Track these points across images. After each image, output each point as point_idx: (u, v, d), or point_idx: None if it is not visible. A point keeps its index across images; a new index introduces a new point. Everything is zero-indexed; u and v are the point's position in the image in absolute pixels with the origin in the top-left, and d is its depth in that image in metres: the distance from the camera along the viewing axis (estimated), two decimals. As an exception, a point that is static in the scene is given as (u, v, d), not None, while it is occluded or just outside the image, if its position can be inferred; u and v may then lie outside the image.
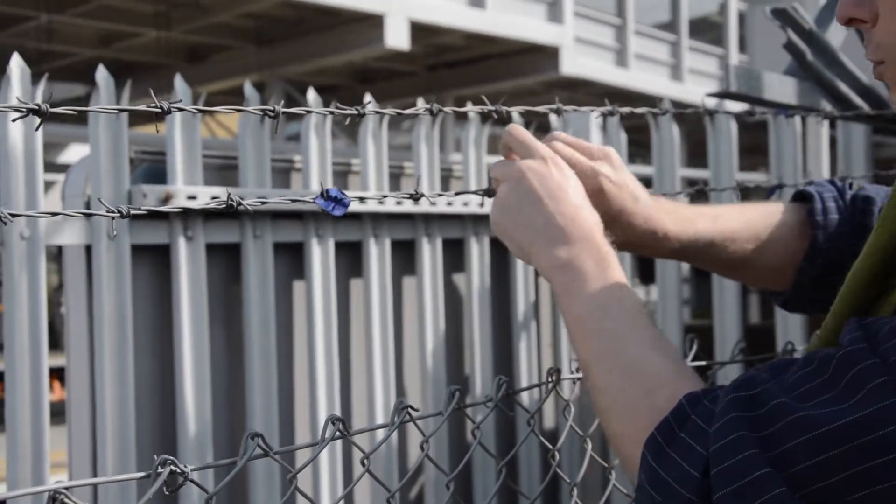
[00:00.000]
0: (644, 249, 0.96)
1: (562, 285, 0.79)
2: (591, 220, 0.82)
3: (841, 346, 0.63)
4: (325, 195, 0.91)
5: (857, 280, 0.70)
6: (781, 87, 2.18)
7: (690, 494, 0.62)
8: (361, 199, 1.05)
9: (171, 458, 0.62)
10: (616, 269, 0.79)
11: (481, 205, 1.94)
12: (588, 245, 0.80)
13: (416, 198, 0.98)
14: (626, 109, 1.22)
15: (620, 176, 0.93)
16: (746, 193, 1.52)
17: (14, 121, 1.42)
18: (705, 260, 0.99)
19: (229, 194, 0.87)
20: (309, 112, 0.97)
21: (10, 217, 0.74)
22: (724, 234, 0.97)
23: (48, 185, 1.63)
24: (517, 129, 0.89)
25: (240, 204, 0.87)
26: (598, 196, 0.90)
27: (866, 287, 0.70)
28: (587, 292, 0.77)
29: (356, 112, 0.90)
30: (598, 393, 0.74)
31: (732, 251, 0.98)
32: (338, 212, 0.91)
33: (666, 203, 0.98)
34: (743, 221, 0.99)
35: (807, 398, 0.61)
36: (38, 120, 1.23)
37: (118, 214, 0.78)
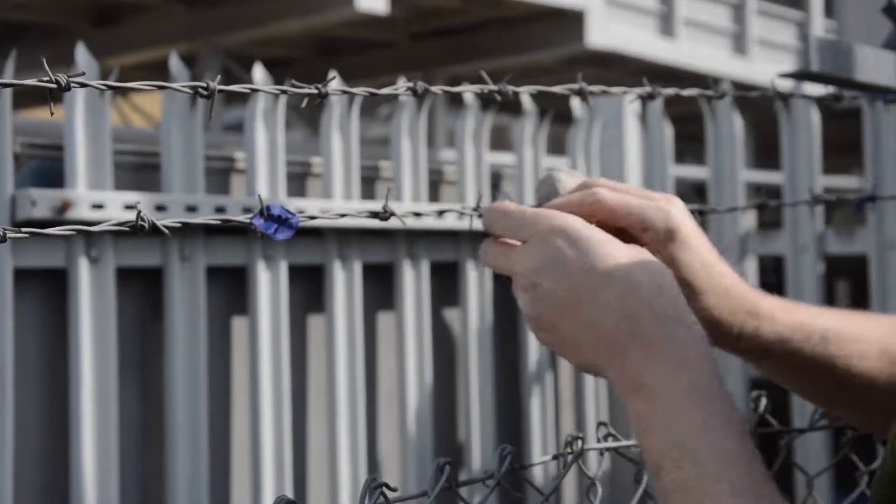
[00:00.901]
0: (743, 342, 0.92)
1: (639, 417, 0.77)
2: (674, 314, 0.78)
3: None
4: (264, 214, 0.91)
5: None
6: (879, 65, 2.19)
7: None
8: (313, 218, 1.04)
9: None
10: (723, 402, 0.75)
11: (479, 215, 1.94)
12: (686, 360, 0.76)
13: (383, 217, 0.98)
14: (670, 91, 1.22)
15: (696, 234, 0.91)
16: (831, 207, 1.53)
17: None
18: (810, 368, 0.95)
19: (139, 211, 0.86)
20: (255, 91, 0.97)
21: None
22: (851, 332, 0.94)
23: None
24: (501, 206, 0.85)
25: (153, 225, 0.87)
26: (673, 249, 0.88)
27: None
28: (695, 437, 0.73)
29: (316, 92, 0.90)
30: None
31: (856, 370, 0.94)
32: (281, 235, 0.91)
33: (750, 288, 0.95)
34: (881, 331, 0.96)
35: None
36: None
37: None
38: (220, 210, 1.80)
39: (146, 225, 0.85)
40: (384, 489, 0.83)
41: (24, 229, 0.79)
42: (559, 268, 0.78)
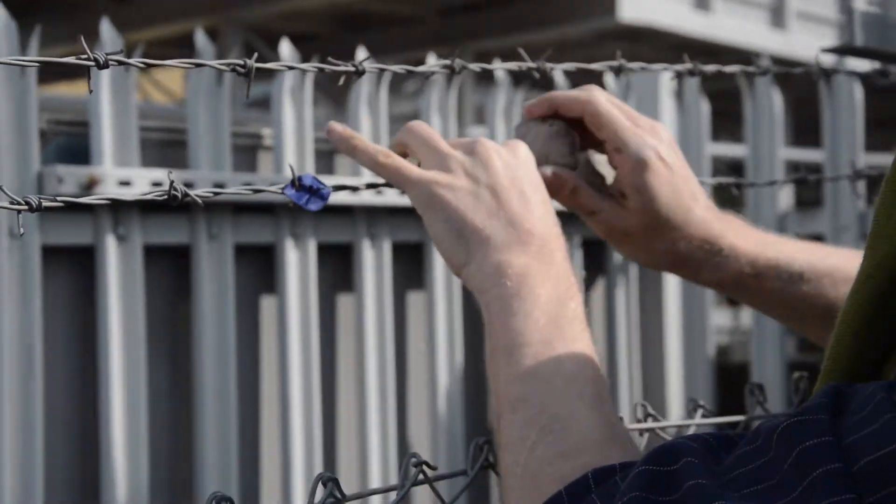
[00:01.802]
0: (704, 272, 0.95)
1: (495, 297, 0.80)
2: (544, 222, 0.84)
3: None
4: (296, 184, 0.92)
5: (847, 326, 0.66)
6: (926, 39, 2.18)
7: None
8: (350, 188, 1.05)
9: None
10: (565, 287, 0.80)
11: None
12: (537, 253, 0.82)
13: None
14: (711, 67, 1.22)
15: (671, 156, 0.94)
16: (875, 183, 1.53)
17: None
18: (796, 298, 0.96)
19: (172, 181, 0.87)
20: (290, 69, 0.98)
21: None
22: (828, 266, 0.95)
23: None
24: (418, 125, 0.92)
25: (186, 194, 0.88)
26: (640, 180, 0.91)
27: (858, 338, 0.66)
28: (521, 313, 0.78)
29: (353, 69, 0.91)
30: (503, 449, 0.74)
31: (827, 295, 0.95)
32: (313, 206, 0.93)
33: (732, 218, 0.97)
34: (844, 257, 0.98)
35: (733, 486, 0.59)
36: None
37: (25, 207, 0.78)
38: (247, 186, 1.80)
39: (178, 194, 0.86)
40: (424, 467, 0.84)
41: (58, 198, 0.80)
42: (480, 162, 0.86)
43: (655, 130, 0.94)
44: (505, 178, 0.85)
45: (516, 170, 0.87)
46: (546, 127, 0.95)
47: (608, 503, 0.63)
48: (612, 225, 0.96)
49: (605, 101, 0.93)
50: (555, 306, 0.79)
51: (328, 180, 1.91)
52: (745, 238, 0.95)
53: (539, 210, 0.85)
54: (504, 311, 0.79)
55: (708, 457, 0.62)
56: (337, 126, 0.92)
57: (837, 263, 0.97)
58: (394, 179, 0.90)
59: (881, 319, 0.63)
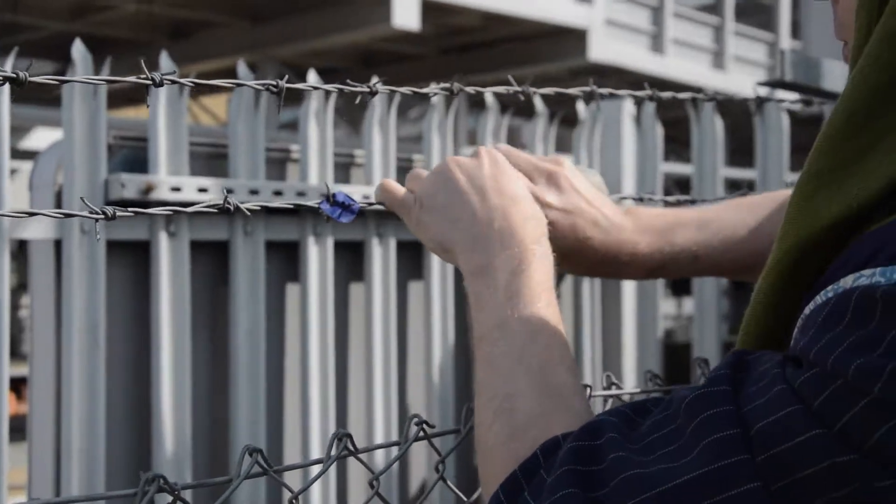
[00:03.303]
0: (616, 277, 0.94)
1: (473, 296, 0.77)
2: (520, 218, 0.79)
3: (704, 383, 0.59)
4: (331, 200, 0.91)
5: (758, 305, 0.65)
6: (844, 76, 2.18)
7: None
8: (370, 204, 1.04)
9: (160, 474, 0.62)
10: (533, 278, 0.75)
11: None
12: (509, 248, 0.77)
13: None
14: (667, 94, 1.22)
15: (570, 200, 0.89)
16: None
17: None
18: (693, 273, 0.96)
19: (226, 196, 0.87)
20: (315, 89, 0.97)
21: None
22: (713, 242, 0.93)
23: (12, 173, 1.64)
24: (388, 183, 0.91)
25: (237, 207, 0.88)
26: (573, 215, 0.88)
27: (767, 313, 0.65)
28: (492, 307, 0.74)
29: (367, 90, 0.91)
30: (476, 429, 0.72)
31: (727, 260, 0.94)
32: (345, 219, 0.92)
33: (641, 213, 0.94)
34: (738, 221, 0.95)
35: (648, 451, 0.58)
36: (6, 95, 1.24)
37: (102, 216, 0.78)
38: (277, 193, 1.81)
39: (231, 207, 0.86)
40: (425, 426, 0.83)
41: (129, 209, 0.80)
42: (450, 186, 0.83)
43: (553, 175, 0.90)
44: (470, 185, 0.82)
45: (483, 171, 0.83)
46: None
47: (550, 475, 0.61)
48: (574, 267, 0.94)
49: (507, 151, 0.90)
50: (514, 292, 0.75)
51: (344, 188, 1.91)
52: (644, 240, 0.91)
53: (511, 207, 0.80)
54: (475, 305, 0.77)
55: (626, 429, 0.61)
56: (385, 183, 0.91)
57: (720, 232, 0.94)
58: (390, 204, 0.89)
59: (786, 298, 0.62)
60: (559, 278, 2.39)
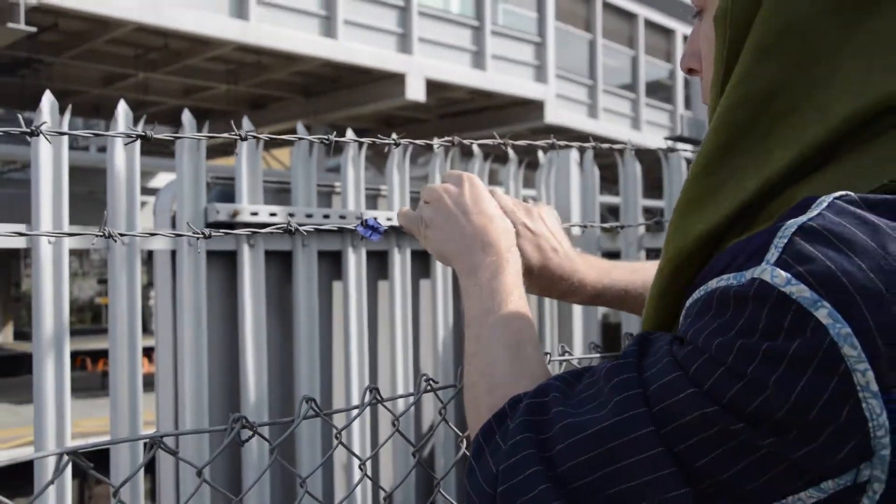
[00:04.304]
0: (566, 297, 0.88)
1: (464, 291, 0.74)
2: (496, 232, 0.76)
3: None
4: (364, 223, 0.91)
5: (652, 300, 0.63)
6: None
7: (489, 489, 0.58)
8: (392, 226, 1.04)
9: (244, 416, 0.61)
10: (507, 278, 0.72)
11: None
12: (489, 256, 0.74)
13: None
14: (606, 146, 1.22)
15: (539, 227, 0.85)
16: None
17: (126, 144, 1.42)
18: (621, 305, 0.92)
19: (289, 221, 0.87)
20: (354, 141, 0.97)
21: (118, 236, 0.74)
22: (638, 284, 0.90)
23: (142, 204, 1.64)
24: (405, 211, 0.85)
25: (296, 229, 0.88)
26: (541, 253, 0.84)
27: (658, 306, 0.63)
28: (478, 299, 0.72)
29: (393, 142, 0.90)
30: (466, 389, 0.70)
31: (642, 296, 0.90)
32: (375, 238, 0.91)
33: (589, 257, 0.91)
34: (647, 272, 0.92)
35: (579, 406, 0.57)
36: (138, 149, 1.24)
37: (202, 236, 0.78)
38: (325, 216, 1.80)
39: (292, 229, 0.86)
40: (431, 381, 0.82)
41: (220, 230, 0.80)
42: (442, 210, 0.78)
43: (529, 211, 0.86)
44: (455, 210, 0.78)
45: (462, 198, 0.79)
46: None
47: (513, 420, 0.60)
48: (534, 289, 0.90)
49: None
50: (494, 288, 0.72)
51: (374, 213, 1.90)
52: (590, 273, 0.88)
53: (486, 223, 0.77)
54: (465, 298, 0.75)
55: (567, 389, 0.60)
56: (402, 210, 0.88)
57: (644, 278, 0.91)
58: (407, 226, 0.85)
59: (670, 295, 0.61)
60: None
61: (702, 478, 0.51)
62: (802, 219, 0.50)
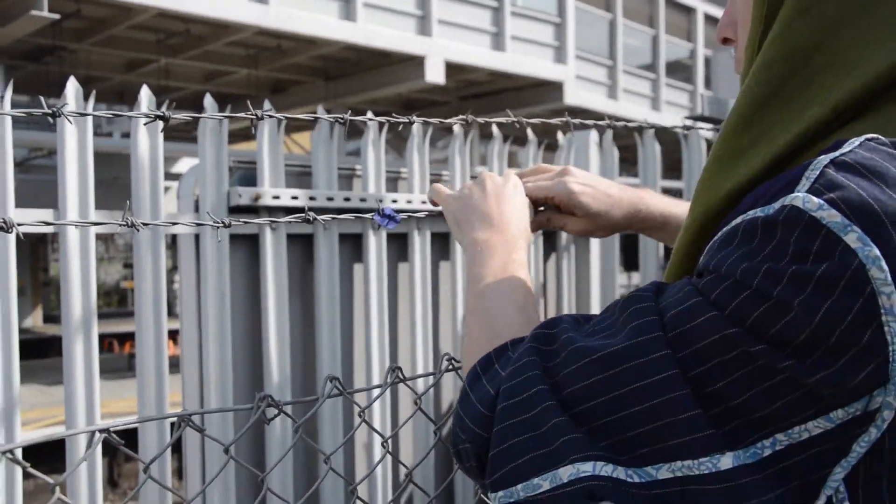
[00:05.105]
0: (634, 224, 0.93)
1: (472, 256, 0.78)
2: (514, 220, 0.81)
3: None
4: (381, 213, 0.92)
5: (678, 251, 0.64)
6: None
7: (486, 410, 0.58)
8: (407, 212, 1.05)
9: (269, 394, 0.62)
10: (516, 255, 0.77)
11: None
12: (503, 234, 0.79)
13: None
14: (621, 124, 1.21)
15: (584, 177, 0.91)
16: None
17: (145, 124, 1.43)
18: (676, 230, 0.95)
19: (308, 213, 0.87)
20: (370, 122, 0.97)
21: (142, 225, 0.75)
22: (678, 213, 0.94)
23: (166, 189, 1.65)
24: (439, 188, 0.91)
25: (315, 219, 0.89)
26: (572, 197, 0.88)
27: (682, 261, 0.63)
28: (486, 264, 0.75)
29: (409, 121, 0.91)
30: (463, 339, 0.71)
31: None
32: (391, 226, 0.93)
33: (648, 189, 0.96)
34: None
35: (591, 335, 0.57)
36: (161, 134, 1.25)
37: (222, 224, 0.79)
38: (346, 200, 1.80)
39: (310, 218, 0.86)
40: (452, 360, 0.83)
41: (242, 218, 0.81)
42: (468, 196, 0.84)
43: (566, 170, 0.91)
44: (492, 192, 0.83)
45: (503, 187, 0.84)
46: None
47: (515, 352, 0.61)
48: (575, 228, 0.94)
49: (532, 187, 0.91)
50: (503, 260, 0.76)
51: (394, 195, 1.90)
52: (654, 201, 0.92)
53: (511, 212, 0.81)
54: (471, 262, 0.77)
55: (575, 324, 0.61)
56: (434, 188, 0.92)
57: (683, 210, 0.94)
58: (438, 200, 0.88)
59: (696, 254, 0.61)
60: (546, 257, 2.36)
61: (714, 402, 0.50)
62: (834, 154, 0.51)
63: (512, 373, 0.57)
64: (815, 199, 0.48)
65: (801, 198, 0.49)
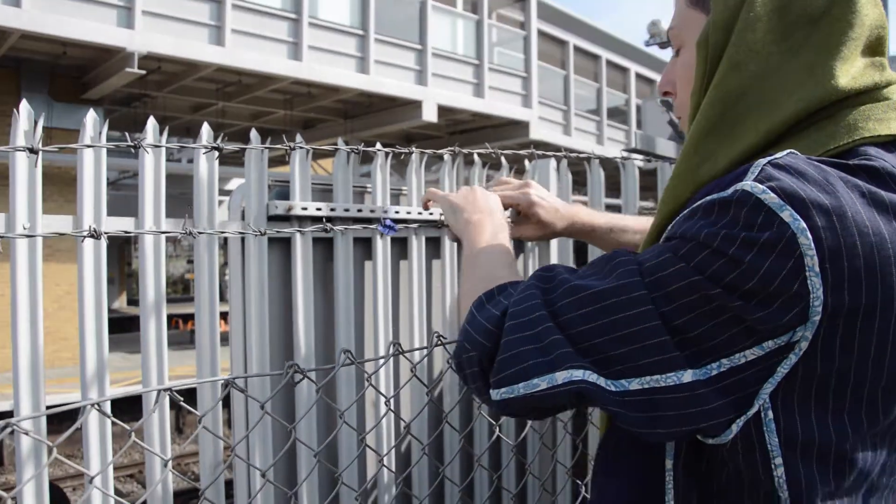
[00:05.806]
0: (572, 233, 0.96)
1: (467, 235, 0.80)
2: (497, 210, 0.84)
3: None
4: (382, 223, 0.93)
5: (651, 234, 0.67)
6: (666, 147, 2.15)
7: (492, 327, 0.59)
8: (405, 221, 1.05)
9: (296, 363, 0.61)
10: (501, 235, 0.79)
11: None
12: (491, 217, 0.82)
13: (439, 222, 0.97)
14: (574, 155, 1.21)
15: (541, 192, 0.95)
16: (643, 212, 1.50)
17: (205, 153, 1.42)
18: (609, 241, 0.98)
19: (325, 221, 0.87)
20: (378, 151, 0.96)
21: (198, 233, 0.74)
22: (619, 224, 0.98)
23: (220, 202, 1.64)
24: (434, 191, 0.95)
25: (332, 228, 0.90)
26: (532, 206, 0.92)
27: (654, 238, 0.65)
28: (479, 241, 0.77)
29: (410, 151, 0.90)
30: (460, 299, 0.72)
31: (626, 238, 0.98)
32: (391, 234, 0.94)
33: (582, 207, 0.99)
34: (634, 220, 1.00)
35: (583, 277, 0.60)
36: (216, 161, 1.22)
37: (259, 233, 0.79)
38: (359, 211, 1.79)
39: (328, 229, 0.86)
40: (441, 338, 0.82)
41: (277, 226, 0.81)
42: (460, 194, 0.89)
43: (528, 184, 0.95)
44: (480, 195, 0.86)
45: (487, 195, 0.87)
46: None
47: (515, 290, 0.62)
48: (526, 234, 0.96)
49: (501, 195, 0.95)
50: (493, 233, 0.78)
51: (396, 208, 1.88)
52: (584, 215, 0.96)
53: (494, 205, 0.85)
54: (466, 235, 0.79)
55: (568, 270, 0.63)
56: (430, 191, 0.94)
57: (639, 224, 0.98)
58: (435, 198, 0.89)
59: (664, 232, 0.64)
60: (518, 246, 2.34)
61: (678, 332, 0.53)
62: (770, 158, 0.55)
63: (518, 300, 0.60)
64: (759, 185, 0.52)
65: (749, 185, 0.52)
